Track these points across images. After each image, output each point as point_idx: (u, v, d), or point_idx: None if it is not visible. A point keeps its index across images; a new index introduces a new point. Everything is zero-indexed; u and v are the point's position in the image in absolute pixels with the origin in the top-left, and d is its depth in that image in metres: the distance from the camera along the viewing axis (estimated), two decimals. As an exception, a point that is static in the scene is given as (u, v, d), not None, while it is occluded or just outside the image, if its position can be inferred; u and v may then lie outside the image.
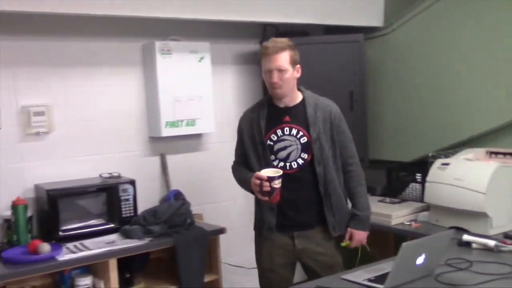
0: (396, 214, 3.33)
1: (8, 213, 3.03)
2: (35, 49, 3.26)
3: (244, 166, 2.80)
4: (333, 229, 2.73)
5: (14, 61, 3.19)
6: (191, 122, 3.68)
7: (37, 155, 3.27)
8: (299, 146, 2.68)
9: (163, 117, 3.56)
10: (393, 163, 3.96)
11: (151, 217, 3.15)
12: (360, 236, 2.78)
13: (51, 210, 3.01)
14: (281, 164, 2.68)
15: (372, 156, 3.98)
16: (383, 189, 3.93)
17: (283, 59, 2.62)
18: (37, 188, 3.20)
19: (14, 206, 2.98)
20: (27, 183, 3.22)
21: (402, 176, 3.79)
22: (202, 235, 3.20)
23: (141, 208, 3.28)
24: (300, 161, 2.68)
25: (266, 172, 2.54)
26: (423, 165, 3.52)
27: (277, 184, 2.50)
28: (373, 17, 4.09)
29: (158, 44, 3.53)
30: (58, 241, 2.97)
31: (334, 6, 3.93)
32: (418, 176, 3.62)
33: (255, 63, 4.08)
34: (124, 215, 3.21)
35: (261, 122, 2.72)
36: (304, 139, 2.67)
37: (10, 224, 3.03)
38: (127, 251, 2.95)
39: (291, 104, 2.73)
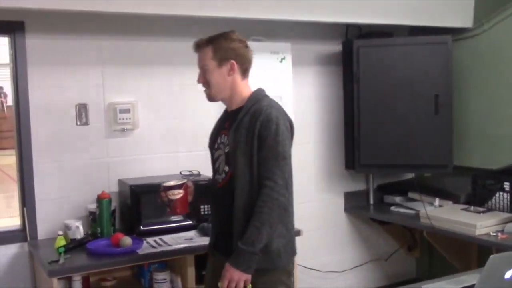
0: (481, 224, 3.17)
1: (93, 206, 3.15)
2: (122, 48, 3.37)
3: None
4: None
5: (102, 60, 3.31)
6: (270, 123, 3.67)
7: (122, 151, 3.39)
8: (223, 157, 2.31)
9: (243, 117, 3.58)
10: (479, 170, 3.78)
11: (229, 216, 3.17)
12: (231, 274, 2.12)
13: (133, 204, 3.11)
14: (217, 175, 2.36)
15: (457, 163, 3.82)
16: (467, 197, 3.76)
17: (203, 56, 2.32)
18: (120, 183, 3.31)
19: (99, 200, 3.10)
20: (112, 178, 3.34)
21: (488, 184, 3.60)
22: (278, 236, 3.19)
23: (218, 207, 3.31)
24: (223, 175, 2.31)
25: (169, 182, 2.41)
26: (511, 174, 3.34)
27: (171, 195, 2.36)
28: (461, 18, 3.92)
29: (240, 44, 3.55)
30: (139, 235, 3.06)
31: (420, 6, 3.80)
32: (506, 185, 3.43)
33: (337, 64, 4.03)
34: (202, 213, 3.25)
35: (215, 126, 2.47)
36: (227, 149, 2.28)
37: (94, 217, 3.15)
38: (204, 248, 2.98)
39: (233, 107, 2.35)
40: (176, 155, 3.53)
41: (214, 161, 2.40)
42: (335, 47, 4.03)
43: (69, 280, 2.85)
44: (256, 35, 3.69)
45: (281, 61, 3.70)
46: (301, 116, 3.90)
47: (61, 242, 2.88)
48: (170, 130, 3.53)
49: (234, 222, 2.22)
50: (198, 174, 3.39)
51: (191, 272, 2.94)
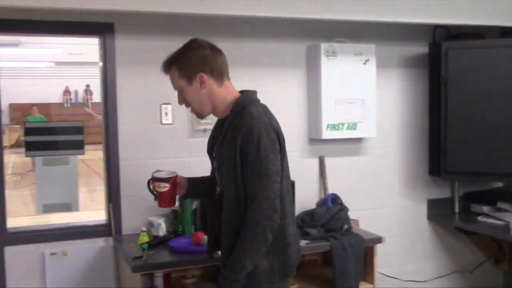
0: None
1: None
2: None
3: None
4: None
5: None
6: (353, 126, 3.61)
7: (203, 151, 3.37)
8: (217, 170, 2.20)
9: (325, 120, 3.53)
10: None
11: (309, 219, 3.14)
12: None
13: (213, 204, 3.12)
14: (216, 186, 2.24)
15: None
16: None
17: (172, 78, 2.17)
18: (202, 182, 3.34)
19: (181, 199, 3.13)
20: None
21: None
22: (359, 242, 3.12)
23: (297, 209, 3.27)
24: (218, 189, 2.21)
25: (159, 173, 2.31)
26: None
27: (157, 187, 2.26)
28: (561, 18, 3.69)
29: (323, 46, 3.51)
30: (219, 235, 3.08)
31: (513, 6, 3.62)
32: None
33: (423, 66, 3.90)
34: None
35: (211, 133, 2.34)
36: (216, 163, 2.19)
37: (176, 215, 3.21)
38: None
39: (221, 116, 2.20)
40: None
41: (213, 169, 2.29)
42: (421, 48, 3.91)
43: (151, 276, 2.91)
44: (339, 37, 3.64)
45: (364, 63, 3.62)
46: (384, 119, 3.81)
47: (145, 238, 2.94)
48: (251, 131, 3.53)
49: (221, 237, 2.13)
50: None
51: (270, 274, 2.92)
